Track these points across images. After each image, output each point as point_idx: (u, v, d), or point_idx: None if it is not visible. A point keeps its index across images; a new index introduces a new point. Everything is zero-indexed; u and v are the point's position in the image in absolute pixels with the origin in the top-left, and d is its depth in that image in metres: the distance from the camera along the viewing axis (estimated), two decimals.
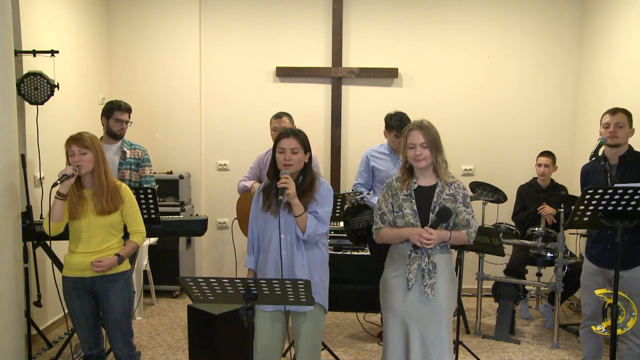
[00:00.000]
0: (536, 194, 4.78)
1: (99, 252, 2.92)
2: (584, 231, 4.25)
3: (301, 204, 2.70)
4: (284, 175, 2.67)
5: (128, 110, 4.02)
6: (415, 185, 2.76)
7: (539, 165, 4.83)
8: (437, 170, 2.76)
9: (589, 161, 3.35)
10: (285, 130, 2.81)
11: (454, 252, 3.82)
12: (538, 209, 4.61)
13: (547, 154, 4.85)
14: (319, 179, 2.84)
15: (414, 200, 2.73)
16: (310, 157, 2.84)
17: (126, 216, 2.98)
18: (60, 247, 3.80)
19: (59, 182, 2.79)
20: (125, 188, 3.00)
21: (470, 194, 4.61)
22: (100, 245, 2.92)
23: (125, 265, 3.03)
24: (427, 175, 2.78)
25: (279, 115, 4.28)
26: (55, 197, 2.83)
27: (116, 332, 3.00)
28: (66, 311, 3.02)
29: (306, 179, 2.79)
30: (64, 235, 2.96)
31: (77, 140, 2.86)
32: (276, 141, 2.79)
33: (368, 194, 4.07)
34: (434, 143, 2.71)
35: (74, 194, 2.88)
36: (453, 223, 2.74)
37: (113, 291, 2.95)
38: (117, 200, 2.93)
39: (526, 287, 4.70)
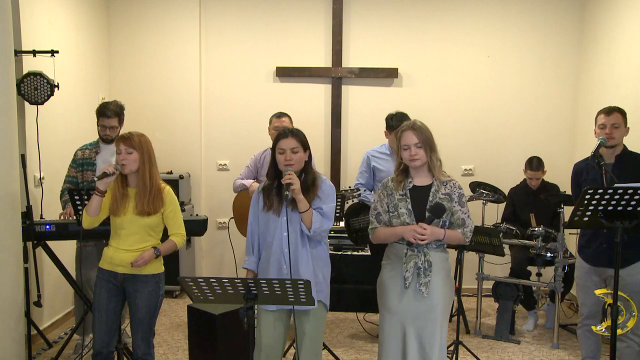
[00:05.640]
0: (526, 196, 4.74)
1: (133, 251, 2.93)
2: None
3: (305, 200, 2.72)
4: (288, 172, 2.68)
5: (117, 114, 3.86)
6: (411, 185, 2.76)
7: (530, 178, 4.69)
8: (432, 169, 2.76)
9: (582, 159, 3.36)
10: (283, 131, 2.81)
11: (454, 252, 3.84)
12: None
13: (537, 166, 4.64)
14: (320, 176, 2.86)
15: (409, 200, 2.73)
16: (310, 156, 2.85)
17: (167, 219, 2.99)
18: (60, 247, 3.81)
19: (96, 179, 2.82)
20: (168, 191, 3.00)
21: (470, 193, 4.63)
22: (135, 245, 2.94)
23: (158, 268, 3.03)
24: (422, 175, 2.77)
25: (280, 115, 4.28)
26: (94, 192, 2.86)
27: (138, 329, 3.03)
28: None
29: (308, 177, 2.81)
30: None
31: (125, 139, 2.89)
32: (275, 142, 2.80)
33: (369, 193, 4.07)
34: (427, 142, 2.71)
35: (118, 190, 2.92)
36: (449, 222, 2.74)
37: (141, 292, 2.96)
38: (158, 203, 2.93)
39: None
